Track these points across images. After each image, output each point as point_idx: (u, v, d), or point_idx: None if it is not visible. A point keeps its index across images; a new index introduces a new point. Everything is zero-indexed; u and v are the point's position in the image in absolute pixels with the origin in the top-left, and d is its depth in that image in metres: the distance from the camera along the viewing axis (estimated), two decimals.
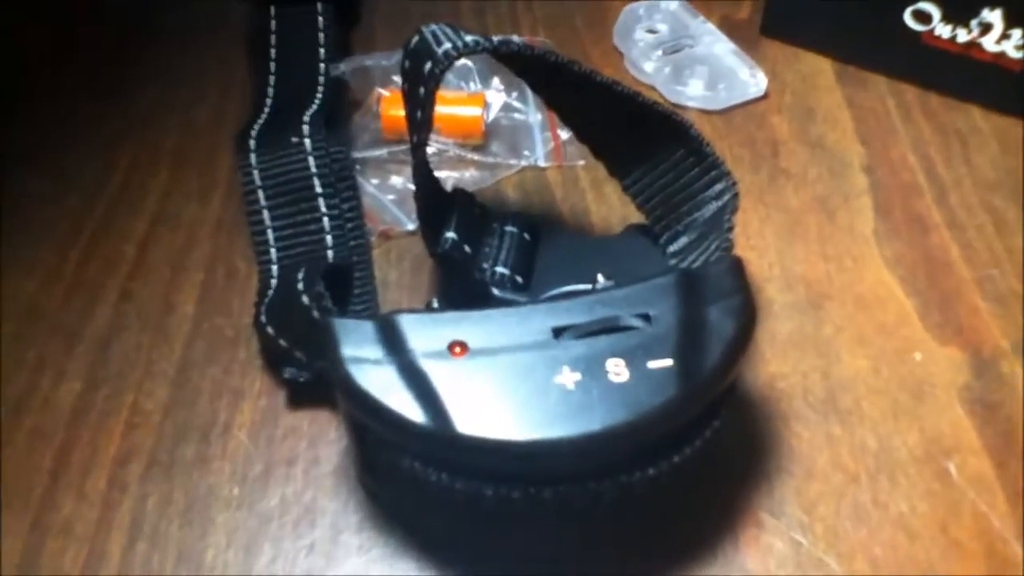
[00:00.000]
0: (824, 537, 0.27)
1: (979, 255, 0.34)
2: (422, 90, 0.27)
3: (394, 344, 0.24)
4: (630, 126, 0.31)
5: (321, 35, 0.41)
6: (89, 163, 0.39)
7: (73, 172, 0.38)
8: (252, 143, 0.35)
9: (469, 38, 0.27)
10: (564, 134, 0.38)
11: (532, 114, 0.39)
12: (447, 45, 0.27)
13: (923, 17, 0.39)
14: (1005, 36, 0.37)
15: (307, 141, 0.35)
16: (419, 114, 0.28)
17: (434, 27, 0.28)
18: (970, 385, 0.31)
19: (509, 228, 0.32)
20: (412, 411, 0.23)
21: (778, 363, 0.31)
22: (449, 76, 0.27)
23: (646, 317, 0.25)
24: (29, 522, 0.28)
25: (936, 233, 0.35)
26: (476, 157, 0.38)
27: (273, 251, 0.33)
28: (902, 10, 0.39)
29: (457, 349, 0.24)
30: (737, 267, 0.26)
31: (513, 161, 0.38)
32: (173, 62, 0.43)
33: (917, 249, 0.34)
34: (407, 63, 0.29)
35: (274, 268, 0.32)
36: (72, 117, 0.40)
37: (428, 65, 0.27)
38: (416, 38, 0.28)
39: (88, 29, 0.45)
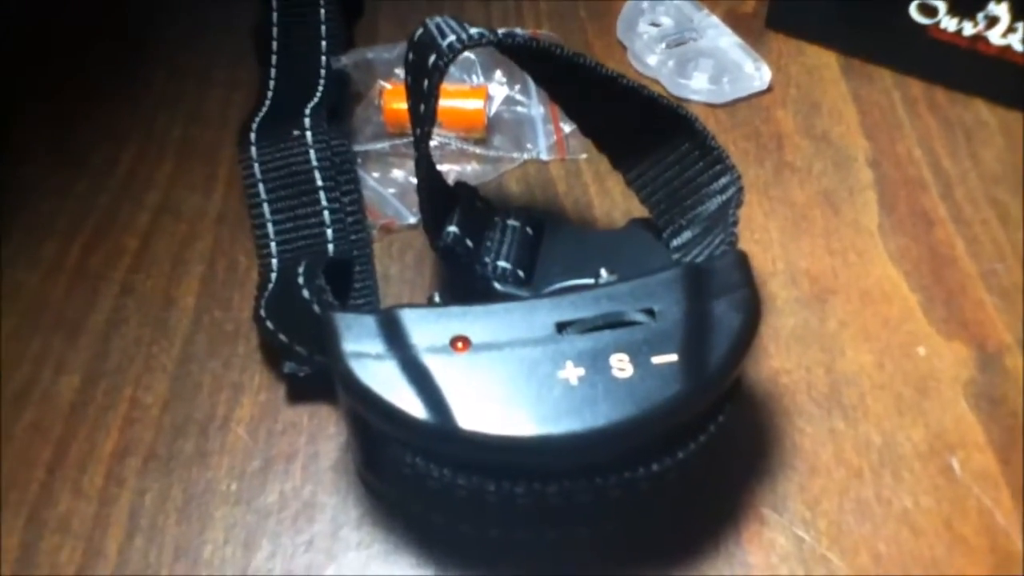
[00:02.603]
0: (827, 533, 0.27)
1: (984, 249, 0.34)
2: (426, 83, 0.27)
3: (396, 339, 0.24)
4: (635, 120, 0.31)
5: (323, 27, 0.40)
6: (96, 152, 0.38)
7: (80, 161, 0.38)
8: (253, 136, 0.35)
9: (474, 31, 0.27)
10: (567, 127, 0.38)
11: (534, 107, 0.39)
12: (451, 38, 0.27)
13: (929, 10, 0.38)
14: (1011, 29, 0.37)
15: (308, 134, 0.35)
16: (423, 107, 0.27)
17: (439, 19, 0.28)
18: (975, 380, 0.30)
19: (511, 222, 0.31)
20: (414, 406, 0.23)
21: (782, 358, 0.31)
22: (452, 69, 0.27)
23: (650, 312, 0.25)
24: (25, 518, 0.28)
25: (941, 227, 0.35)
26: (478, 151, 0.37)
27: (273, 245, 0.33)
28: (908, 3, 0.38)
29: (459, 344, 0.24)
30: (742, 261, 0.26)
31: (515, 155, 0.37)
32: (182, 51, 0.43)
33: (922, 243, 0.34)
34: (411, 55, 0.28)
35: (274, 262, 0.32)
36: (80, 105, 0.40)
37: (432, 58, 0.27)
38: (420, 30, 0.28)
39: (96, 20, 0.45)
